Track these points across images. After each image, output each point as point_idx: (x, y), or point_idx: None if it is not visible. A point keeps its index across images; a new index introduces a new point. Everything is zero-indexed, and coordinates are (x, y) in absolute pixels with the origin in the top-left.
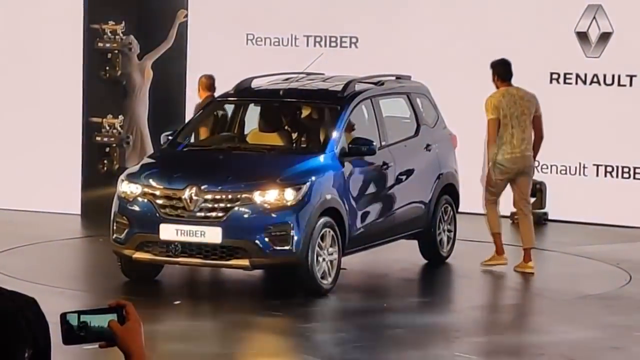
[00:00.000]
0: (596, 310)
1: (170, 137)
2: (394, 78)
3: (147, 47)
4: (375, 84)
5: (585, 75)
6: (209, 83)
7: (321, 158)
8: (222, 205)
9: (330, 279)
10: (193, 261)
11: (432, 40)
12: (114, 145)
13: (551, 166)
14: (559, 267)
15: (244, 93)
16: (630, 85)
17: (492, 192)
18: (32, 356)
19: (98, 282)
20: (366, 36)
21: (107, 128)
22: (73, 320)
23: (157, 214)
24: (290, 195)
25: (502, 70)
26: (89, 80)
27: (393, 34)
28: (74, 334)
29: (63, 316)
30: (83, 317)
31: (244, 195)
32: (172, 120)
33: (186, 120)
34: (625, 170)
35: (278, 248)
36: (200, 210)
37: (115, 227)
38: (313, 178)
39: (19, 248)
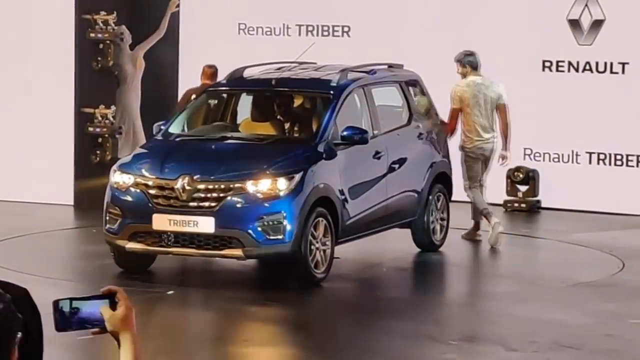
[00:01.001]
0: (589, 298)
1: (162, 127)
2: (386, 67)
3: (139, 37)
4: (367, 72)
5: (578, 63)
6: (210, 72)
7: (314, 147)
8: (214, 195)
9: (323, 268)
10: (186, 251)
11: (424, 29)
12: (107, 135)
13: (544, 154)
14: (551, 255)
15: (237, 83)
16: (623, 72)
17: (471, 177)
18: (23, 342)
19: (91, 272)
20: (358, 25)
21: (100, 118)
22: (65, 306)
23: (150, 204)
24: (282, 185)
25: (474, 61)
26: (81, 70)
27: (385, 23)
28: (66, 321)
29: (55, 303)
30: (75, 304)
31: (236, 185)
32: (165, 110)
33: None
34: (618, 157)
35: (271, 238)
36: (193, 200)
37: (108, 218)
38: (306, 167)
39: (12, 239)
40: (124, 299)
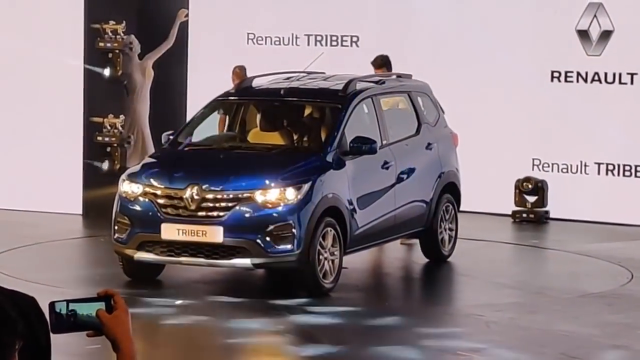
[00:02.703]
0: (597, 309)
1: (171, 137)
2: (394, 77)
3: (148, 47)
4: (376, 82)
5: (587, 73)
6: (242, 73)
7: (322, 157)
8: (223, 204)
9: (331, 278)
10: (195, 261)
11: (433, 39)
12: (115, 145)
13: (552, 164)
14: (560, 266)
15: (245, 92)
16: (632, 83)
17: None
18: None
19: (99, 282)
20: (367, 35)
21: (109, 128)
22: (62, 308)
23: (159, 214)
24: (291, 195)
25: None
26: (90, 79)
27: (393, 33)
28: (62, 322)
29: (52, 305)
30: (72, 306)
31: (245, 195)
32: (173, 119)
33: (187, 120)
34: (627, 168)
35: (279, 247)
36: (202, 209)
37: (116, 227)
38: (314, 177)
39: (20, 248)
40: (121, 302)
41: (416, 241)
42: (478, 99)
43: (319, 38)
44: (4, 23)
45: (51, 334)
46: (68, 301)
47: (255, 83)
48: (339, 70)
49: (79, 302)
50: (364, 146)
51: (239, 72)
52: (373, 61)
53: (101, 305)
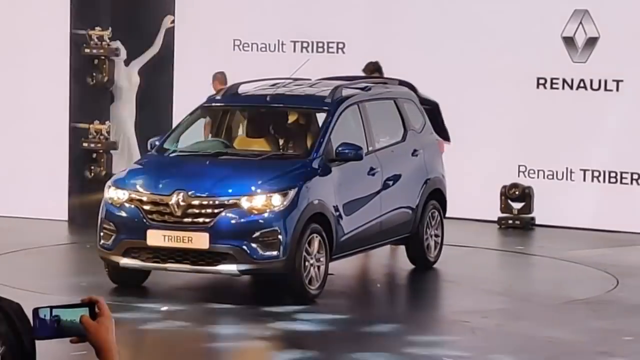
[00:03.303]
0: (583, 315)
1: (157, 143)
2: (380, 83)
3: (134, 53)
4: (362, 89)
5: (572, 80)
6: (223, 79)
7: (308, 163)
8: (209, 210)
9: (317, 285)
10: (180, 267)
11: (419, 46)
12: (101, 151)
13: (538, 171)
14: (546, 272)
15: (231, 99)
16: (617, 90)
17: None
18: (7, 354)
19: (85, 288)
20: (353, 41)
21: (94, 134)
22: (45, 314)
23: (144, 220)
24: (277, 201)
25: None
26: (76, 86)
27: (380, 39)
28: (46, 328)
29: (35, 310)
30: (55, 312)
31: (231, 201)
32: (159, 126)
33: (173, 126)
34: (612, 175)
35: (265, 254)
36: (187, 215)
37: (102, 234)
38: (300, 183)
39: (6, 254)
40: (104, 308)
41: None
42: (464, 106)
43: (305, 44)
44: None
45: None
46: (52, 307)
47: (241, 89)
48: (325, 77)
49: (63, 308)
50: (349, 152)
51: (220, 78)
52: (364, 68)
53: (85, 311)
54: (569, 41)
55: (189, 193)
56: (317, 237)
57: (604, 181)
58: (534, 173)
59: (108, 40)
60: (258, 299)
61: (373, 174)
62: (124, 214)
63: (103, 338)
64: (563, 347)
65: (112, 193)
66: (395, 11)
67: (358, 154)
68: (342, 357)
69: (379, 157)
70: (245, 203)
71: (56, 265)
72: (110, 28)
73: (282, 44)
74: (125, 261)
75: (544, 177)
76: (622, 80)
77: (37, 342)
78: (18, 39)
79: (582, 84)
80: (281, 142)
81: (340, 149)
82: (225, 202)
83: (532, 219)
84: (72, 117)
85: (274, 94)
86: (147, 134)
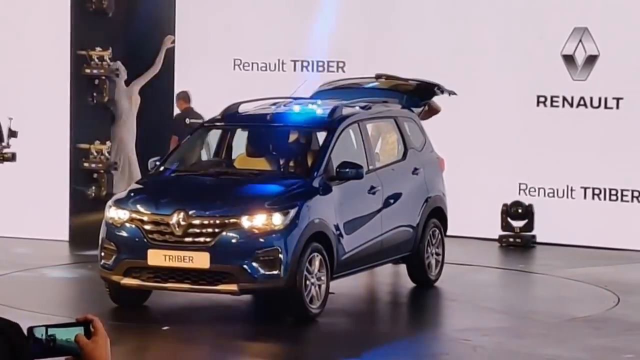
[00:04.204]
0: (584, 333)
1: (157, 163)
2: (381, 102)
3: (135, 73)
4: (362, 108)
5: (572, 98)
6: (187, 98)
7: (309, 182)
8: (210, 230)
9: (318, 304)
10: (181, 286)
11: (419, 65)
12: (102, 171)
13: (539, 189)
14: (547, 290)
15: (232, 118)
16: (617, 107)
17: None
18: None
19: (86, 308)
20: (353, 60)
21: (95, 154)
22: (40, 333)
23: (145, 240)
24: (278, 220)
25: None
26: (76, 106)
27: (379, 58)
28: (41, 348)
29: (30, 330)
30: (51, 331)
31: (231, 220)
32: (160, 145)
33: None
34: (613, 192)
35: (266, 273)
36: (188, 235)
37: (103, 253)
38: (301, 203)
39: (6, 275)
40: (100, 327)
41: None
42: (464, 124)
43: (305, 64)
44: None
45: None
46: (47, 326)
47: (242, 109)
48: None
49: (58, 327)
50: (350, 171)
51: (184, 97)
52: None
53: (80, 330)
54: (569, 59)
55: (190, 213)
56: (317, 256)
57: (605, 199)
58: (535, 191)
59: (109, 61)
60: (258, 318)
61: (374, 193)
62: (124, 233)
63: (98, 357)
64: None
65: (112, 213)
66: (395, 30)
67: (359, 172)
68: None
69: (379, 175)
70: (245, 222)
71: (57, 285)
72: (110, 48)
73: (283, 63)
74: (126, 281)
75: (544, 195)
76: (622, 98)
77: None
78: (19, 59)
79: (582, 102)
80: (282, 161)
81: (340, 168)
82: (226, 222)
83: (533, 236)
84: (72, 137)
85: (274, 113)
86: (147, 154)
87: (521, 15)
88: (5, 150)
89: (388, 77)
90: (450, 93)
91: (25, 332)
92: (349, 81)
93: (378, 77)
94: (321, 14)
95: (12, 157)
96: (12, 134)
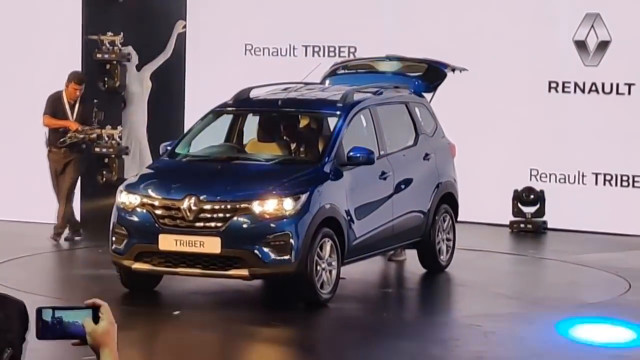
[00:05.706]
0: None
1: (169, 147)
2: (392, 87)
3: (146, 58)
4: (373, 93)
5: (584, 83)
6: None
7: (320, 168)
8: (221, 215)
9: (329, 289)
10: (192, 271)
11: (429, 50)
12: (113, 156)
13: (550, 175)
14: (557, 276)
15: (243, 103)
16: (629, 93)
17: None
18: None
19: (97, 293)
20: (364, 46)
21: (106, 139)
22: (47, 315)
23: (156, 224)
24: (289, 205)
25: None
26: (88, 91)
27: (390, 44)
28: (47, 329)
29: (39, 311)
30: (57, 313)
31: (242, 205)
32: (171, 130)
33: (185, 131)
34: (624, 178)
35: (277, 258)
36: (199, 220)
37: (114, 238)
38: (312, 188)
39: (18, 259)
40: (108, 313)
41: (405, 257)
42: (475, 110)
43: (316, 49)
44: (2, 35)
45: (27, 339)
46: (54, 308)
47: (253, 94)
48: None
49: (66, 309)
50: (361, 156)
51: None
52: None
53: (88, 314)
54: (580, 45)
55: (201, 197)
56: (328, 241)
57: (616, 185)
58: (546, 177)
59: (120, 45)
60: (269, 303)
61: (385, 178)
62: (135, 218)
63: (104, 342)
64: (575, 351)
65: (124, 198)
66: (406, 16)
67: (370, 158)
68: None
69: (390, 161)
70: (257, 207)
71: (68, 269)
72: (122, 33)
73: (294, 48)
74: (137, 265)
75: (555, 181)
76: (634, 84)
77: (51, 346)
78: (30, 44)
79: (593, 88)
80: (293, 146)
81: (351, 153)
82: (237, 207)
83: (544, 222)
84: None
85: (285, 99)
86: (158, 139)
87: (533, 1)
88: (91, 132)
89: (400, 59)
90: (462, 70)
91: (26, 309)
92: (361, 61)
93: (389, 58)
94: None
95: (98, 138)
96: (98, 116)
